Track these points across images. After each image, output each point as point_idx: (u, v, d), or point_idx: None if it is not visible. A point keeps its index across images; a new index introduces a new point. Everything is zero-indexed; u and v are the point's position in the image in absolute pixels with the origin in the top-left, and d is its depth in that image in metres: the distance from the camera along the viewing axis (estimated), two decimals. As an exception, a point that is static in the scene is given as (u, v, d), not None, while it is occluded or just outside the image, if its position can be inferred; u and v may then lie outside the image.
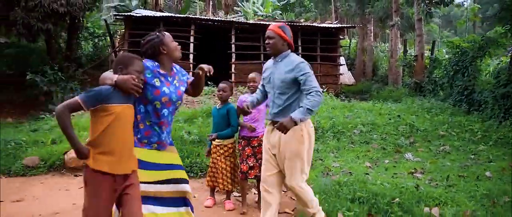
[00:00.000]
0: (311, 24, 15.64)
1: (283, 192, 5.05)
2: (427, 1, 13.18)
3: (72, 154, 6.04)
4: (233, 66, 14.15)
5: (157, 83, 2.85)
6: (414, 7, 14.89)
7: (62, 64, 11.93)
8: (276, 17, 24.04)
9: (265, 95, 3.65)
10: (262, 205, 3.51)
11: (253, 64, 13.76)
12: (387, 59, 20.44)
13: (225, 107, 4.37)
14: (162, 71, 2.91)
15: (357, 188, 4.28)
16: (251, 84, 4.27)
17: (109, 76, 2.61)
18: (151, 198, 2.82)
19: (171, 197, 2.93)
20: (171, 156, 3.00)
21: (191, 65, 13.81)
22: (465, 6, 36.01)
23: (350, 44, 25.74)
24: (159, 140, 2.89)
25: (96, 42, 17.13)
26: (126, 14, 14.53)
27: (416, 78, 14.03)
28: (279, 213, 4.30)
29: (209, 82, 11.35)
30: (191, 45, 14.06)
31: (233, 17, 21.68)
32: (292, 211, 4.39)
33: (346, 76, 18.98)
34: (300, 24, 15.45)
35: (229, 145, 4.39)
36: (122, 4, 20.21)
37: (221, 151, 4.39)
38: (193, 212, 3.02)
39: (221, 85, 4.38)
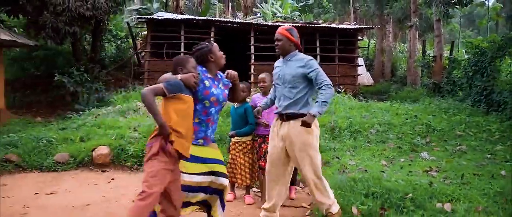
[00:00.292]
0: (329, 25, 15.75)
1: (300, 188, 5.28)
2: (444, 2, 13.13)
3: (99, 151, 6.38)
4: (252, 67, 14.38)
5: (207, 84, 3.25)
6: (432, 7, 14.86)
7: (87, 66, 12.35)
8: (295, 19, 24.21)
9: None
10: (266, 194, 3.83)
11: (272, 65, 13.83)
12: (406, 60, 20.37)
13: (242, 106, 4.60)
14: (209, 75, 3.30)
15: (371, 184, 4.44)
16: (262, 84, 4.57)
17: (169, 76, 3.14)
18: (194, 188, 3.25)
19: (210, 187, 3.34)
20: (214, 151, 3.38)
21: (211, 66, 14.10)
22: (488, 5, 35.39)
23: (369, 45, 25.68)
24: (205, 136, 3.28)
25: (119, 44, 17.56)
26: (148, 17, 14.93)
27: (434, 79, 14.01)
28: (296, 207, 4.54)
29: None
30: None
31: (252, 19, 21.93)
32: (308, 205, 4.58)
33: (364, 77, 18.99)
34: (319, 25, 15.57)
35: (247, 142, 4.61)
36: (143, 7, 20.72)
37: (240, 147, 4.62)
38: (223, 205, 3.44)
39: (240, 85, 4.60)
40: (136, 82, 13.99)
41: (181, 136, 2.99)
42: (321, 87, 3.50)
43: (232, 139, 4.68)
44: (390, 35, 22.48)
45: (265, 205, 3.86)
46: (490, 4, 35.83)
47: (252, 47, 14.46)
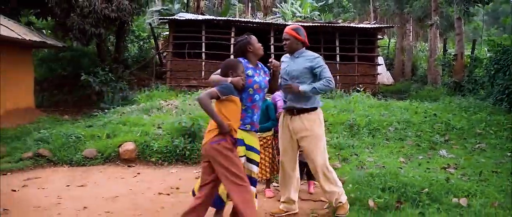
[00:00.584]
0: (348, 25, 15.80)
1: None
2: (465, 0, 13.01)
3: (125, 147, 6.65)
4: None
5: (250, 74, 3.55)
6: (453, 6, 14.72)
7: (112, 66, 12.75)
8: (314, 18, 24.26)
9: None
10: (281, 183, 4.15)
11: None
12: (426, 59, 20.18)
13: (264, 103, 4.77)
14: (250, 66, 3.65)
15: (388, 179, 4.55)
16: None
17: (219, 78, 3.47)
18: None
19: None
20: (253, 139, 3.67)
21: (231, 66, 14.32)
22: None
23: (389, 44, 25.52)
24: (251, 121, 3.59)
25: (141, 45, 18.00)
26: (170, 18, 15.27)
27: (455, 78, 13.89)
28: (314, 201, 4.69)
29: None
30: (232, 47, 14.58)
31: (272, 19, 22.09)
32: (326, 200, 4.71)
33: (384, 76, 18.93)
34: (338, 24, 15.63)
35: (268, 137, 4.78)
36: (165, 8, 21.13)
37: (261, 142, 4.79)
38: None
39: None
40: (159, 82, 14.34)
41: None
42: (323, 79, 3.75)
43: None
44: (411, 34, 22.29)
45: (282, 198, 4.16)
46: (515, 1, 35.03)
47: (272, 46, 14.62)
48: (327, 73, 3.79)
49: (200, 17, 16.18)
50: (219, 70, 3.58)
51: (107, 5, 11.29)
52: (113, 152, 6.64)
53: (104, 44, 14.45)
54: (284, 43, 4.00)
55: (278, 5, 26.39)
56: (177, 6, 21.54)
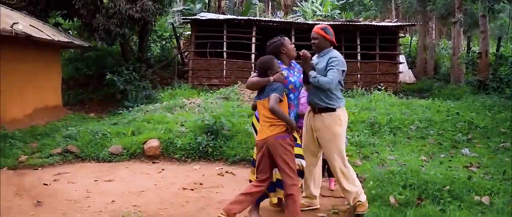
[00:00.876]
0: (369, 23, 15.69)
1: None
2: (489, -3, 12.76)
3: (150, 143, 6.84)
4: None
5: (285, 74, 3.73)
6: (477, 3, 14.45)
7: (135, 65, 13.01)
8: (335, 17, 24.16)
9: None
10: (303, 183, 4.25)
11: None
12: (449, 57, 19.84)
13: None
14: (284, 66, 3.84)
15: (409, 176, 4.58)
16: None
17: (259, 79, 3.71)
18: None
19: None
20: (295, 135, 3.82)
21: (252, 65, 14.46)
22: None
23: (410, 42, 25.18)
24: None
25: (164, 44, 18.27)
26: (192, 17, 15.47)
27: (479, 76, 13.64)
28: (335, 197, 4.76)
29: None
30: (253, 46, 14.71)
31: (292, 18, 22.10)
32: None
33: (406, 75, 18.70)
34: (359, 23, 15.55)
35: None
36: (187, 8, 21.39)
37: None
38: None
39: None
40: (181, 81, 14.57)
41: None
42: (326, 75, 3.82)
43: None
44: (433, 32, 21.94)
45: (304, 193, 4.30)
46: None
47: (293, 45, 14.65)
48: (333, 73, 3.81)
49: (222, 16, 16.33)
50: (254, 73, 3.83)
51: (132, 6, 11.54)
52: (138, 149, 6.83)
53: (128, 44, 14.75)
54: (312, 42, 4.08)
55: (299, 4, 26.34)
56: (198, 6, 21.76)
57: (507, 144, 6.96)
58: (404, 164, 5.42)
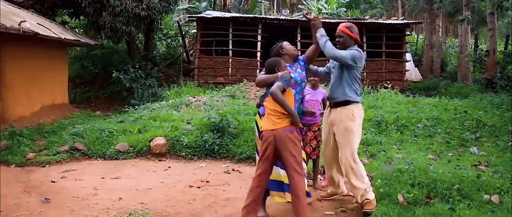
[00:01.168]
0: (376, 21, 15.59)
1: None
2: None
3: (156, 141, 6.85)
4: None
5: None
6: (486, 0, 14.33)
7: (141, 63, 13.04)
8: (341, 15, 24.04)
9: (327, 74, 4.46)
10: (326, 175, 4.47)
11: (318, 61, 13.97)
12: (457, 55, 19.72)
13: None
14: (287, 64, 4.01)
15: (417, 175, 4.54)
16: (311, 78, 4.95)
17: (268, 76, 3.86)
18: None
19: None
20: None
21: (258, 63, 14.43)
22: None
23: (417, 40, 25.04)
24: None
25: (169, 43, 18.30)
26: (198, 15, 15.46)
27: (487, 74, 13.54)
28: (346, 195, 4.72)
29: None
30: (258, 44, 14.68)
31: (298, 15, 22.03)
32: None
33: (412, 73, 18.61)
34: (365, 21, 15.46)
35: None
36: (192, 6, 21.40)
37: None
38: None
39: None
40: (186, 79, 14.58)
41: None
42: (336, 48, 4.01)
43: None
44: (440, 30, 21.79)
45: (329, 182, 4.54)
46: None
47: (299, 43, 14.63)
48: (343, 52, 3.99)
49: (227, 14, 16.31)
50: (262, 71, 3.98)
51: (138, 4, 11.55)
52: (144, 147, 6.85)
53: (134, 42, 14.78)
54: (337, 40, 4.18)
55: (304, 2, 26.25)
56: (204, 4, 21.77)
57: (516, 143, 6.91)
58: (412, 163, 5.38)
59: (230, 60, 14.67)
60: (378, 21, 15.43)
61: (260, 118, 4.01)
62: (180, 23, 18.44)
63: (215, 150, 6.65)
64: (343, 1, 26.59)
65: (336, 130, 4.09)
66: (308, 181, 5.24)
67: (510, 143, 6.92)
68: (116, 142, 7.05)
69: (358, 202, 4.12)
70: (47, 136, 7.52)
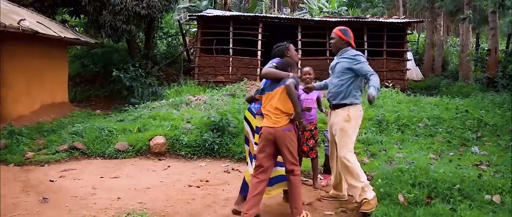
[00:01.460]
0: (377, 20, 15.53)
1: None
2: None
3: (156, 140, 6.81)
4: (299, 62, 14.48)
5: None
6: (487, -1, 14.25)
7: (141, 62, 13.01)
8: (342, 14, 23.96)
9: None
10: (332, 174, 4.57)
11: (319, 60, 14.03)
12: (458, 54, 19.66)
13: None
14: None
15: (418, 174, 4.50)
16: (306, 76, 4.98)
17: (279, 71, 3.94)
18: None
19: None
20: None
21: (258, 62, 14.39)
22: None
23: (418, 39, 24.96)
24: None
25: (170, 41, 18.26)
26: (198, 14, 15.42)
27: (488, 73, 13.48)
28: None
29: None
30: (259, 43, 14.63)
31: (299, 14, 21.98)
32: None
33: (413, 72, 18.56)
34: (366, 20, 15.41)
35: None
36: (193, 4, 21.34)
37: None
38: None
39: (305, 68, 5.02)
40: (187, 77, 14.55)
41: None
42: (369, 76, 3.94)
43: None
44: (441, 29, 21.72)
45: (332, 182, 4.61)
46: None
47: (299, 42, 14.59)
48: (368, 68, 4.01)
49: (228, 13, 16.27)
50: (269, 64, 4.07)
51: (138, 2, 11.51)
52: (144, 146, 6.82)
53: (134, 41, 14.74)
54: (330, 42, 4.29)
55: (305, 1, 26.17)
56: (204, 2, 21.70)
57: (518, 142, 6.86)
58: (413, 162, 5.34)
59: (231, 59, 14.63)
60: (379, 20, 15.37)
61: (254, 117, 4.09)
62: (181, 21, 18.38)
63: (215, 149, 6.62)
64: (344, 0, 26.51)
65: (334, 131, 4.17)
66: (307, 180, 5.26)
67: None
68: (115, 141, 7.01)
69: (357, 202, 4.09)
70: (47, 135, 7.49)
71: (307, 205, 4.29)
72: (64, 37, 9.46)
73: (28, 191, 4.82)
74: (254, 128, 4.09)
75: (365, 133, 7.19)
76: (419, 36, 26.07)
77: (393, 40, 15.05)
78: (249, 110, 4.22)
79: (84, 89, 13.68)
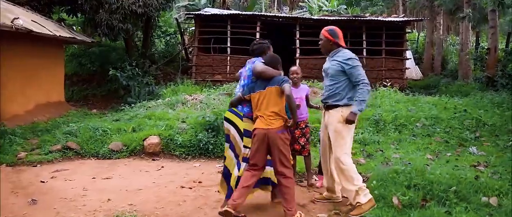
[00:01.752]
0: (376, 18, 15.43)
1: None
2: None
3: (150, 140, 6.73)
4: (297, 61, 14.41)
5: None
6: (487, -3, 14.14)
7: (139, 61, 12.93)
8: (341, 12, 23.87)
9: None
10: (324, 176, 4.47)
11: (317, 59, 13.91)
12: (457, 53, 19.57)
13: None
14: None
15: (414, 176, 4.42)
16: (294, 76, 4.88)
17: (272, 69, 3.93)
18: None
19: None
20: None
21: (256, 61, 14.28)
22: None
23: (418, 38, 24.87)
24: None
25: (168, 40, 18.18)
26: (196, 12, 15.32)
27: (488, 72, 13.40)
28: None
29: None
30: (257, 42, 14.52)
31: (298, 13, 21.89)
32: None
33: (412, 71, 18.48)
34: (365, 18, 15.31)
35: None
36: (191, 3, 21.24)
37: None
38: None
39: (292, 68, 4.95)
40: (184, 77, 14.47)
41: None
42: (358, 84, 3.89)
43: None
44: (441, 27, 21.62)
45: (325, 185, 4.48)
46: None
47: (298, 41, 14.50)
48: (359, 75, 3.92)
49: (226, 12, 16.18)
50: (257, 62, 4.04)
51: (134, 0, 11.43)
52: (138, 146, 6.74)
53: (132, 39, 14.66)
54: (319, 42, 4.22)
55: (305, -1, 26.10)
56: (203, 1, 21.60)
57: (516, 142, 6.78)
58: (409, 163, 5.25)
59: (228, 57, 14.55)
60: (378, 19, 15.27)
61: (241, 119, 4.01)
62: (179, 20, 18.29)
63: (210, 149, 6.54)
64: (344, -1, 26.42)
65: (329, 132, 4.11)
66: (302, 181, 5.18)
67: (510, 142, 6.80)
68: (109, 141, 6.94)
69: (352, 205, 4.01)
70: (40, 134, 7.43)
71: (300, 206, 4.21)
72: (60, 36, 9.38)
73: (17, 193, 4.74)
74: (242, 131, 3.99)
75: (362, 133, 7.11)
76: (418, 34, 25.97)
77: (392, 39, 14.95)
78: (231, 111, 4.08)
79: (81, 88, 13.61)
